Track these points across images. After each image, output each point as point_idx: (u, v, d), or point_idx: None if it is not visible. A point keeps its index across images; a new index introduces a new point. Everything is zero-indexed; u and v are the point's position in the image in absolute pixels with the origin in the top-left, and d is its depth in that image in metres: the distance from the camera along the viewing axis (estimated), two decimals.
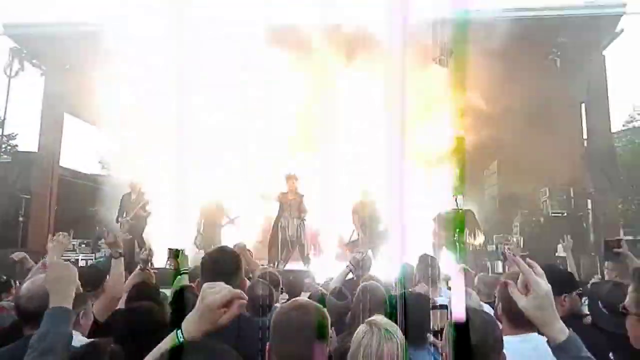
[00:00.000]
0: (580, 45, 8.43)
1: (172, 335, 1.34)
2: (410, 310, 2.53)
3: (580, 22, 8.12)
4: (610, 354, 2.35)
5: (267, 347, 1.68)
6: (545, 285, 1.37)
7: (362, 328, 2.04)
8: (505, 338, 2.24)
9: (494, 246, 9.72)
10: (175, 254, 4.20)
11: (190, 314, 1.34)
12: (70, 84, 9.69)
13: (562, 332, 1.37)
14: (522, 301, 1.40)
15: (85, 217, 11.44)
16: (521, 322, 2.24)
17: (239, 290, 1.32)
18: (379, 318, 2.12)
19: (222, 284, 1.35)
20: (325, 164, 10.43)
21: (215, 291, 1.31)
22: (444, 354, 1.92)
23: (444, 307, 2.47)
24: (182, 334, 1.31)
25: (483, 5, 8.37)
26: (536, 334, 2.22)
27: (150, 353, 1.34)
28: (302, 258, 9.73)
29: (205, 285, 1.35)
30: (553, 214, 9.81)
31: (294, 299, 1.75)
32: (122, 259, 3.54)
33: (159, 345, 1.35)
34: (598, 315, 2.68)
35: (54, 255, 3.26)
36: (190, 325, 1.32)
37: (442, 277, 4.48)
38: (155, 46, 7.89)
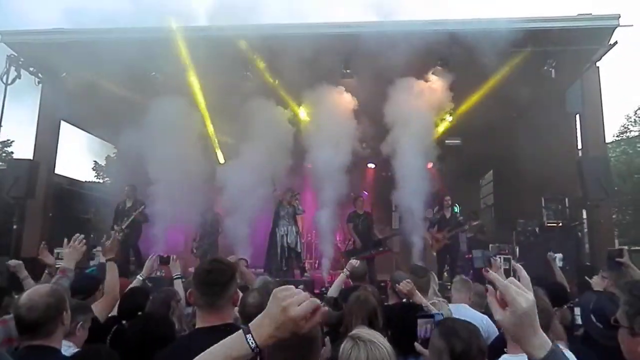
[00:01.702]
0: (574, 57, 8.51)
1: (238, 340, 1.22)
2: (402, 320, 2.54)
3: (575, 34, 8.20)
4: None
5: None
6: (523, 303, 1.23)
7: (347, 343, 2.02)
8: (505, 357, 2.23)
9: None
10: (166, 261, 4.24)
11: (263, 318, 1.24)
12: (66, 92, 9.70)
13: (541, 347, 1.24)
14: (498, 315, 1.28)
15: (80, 224, 11.38)
16: None
17: (316, 300, 1.25)
18: (364, 331, 2.11)
19: (293, 287, 1.27)
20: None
21: (296, 301, 1.22)
22: None
23: (431, 315, 2.47)
24: (253, 340, 1.22)
25: (479, 16, 8.45)
26: None
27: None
28: (299, 267, 9.73)
29: (277, 290, 1.26)
30: (548, 224, 9.84)
31: None
32: (114, 263, 3.61)
33: (219, 350, 1.24)
34: (591, 327, 2.65)
35: (70, 261, 3.26)
36: (265, 332, 1.22)
37: (436, 287, 4.47)
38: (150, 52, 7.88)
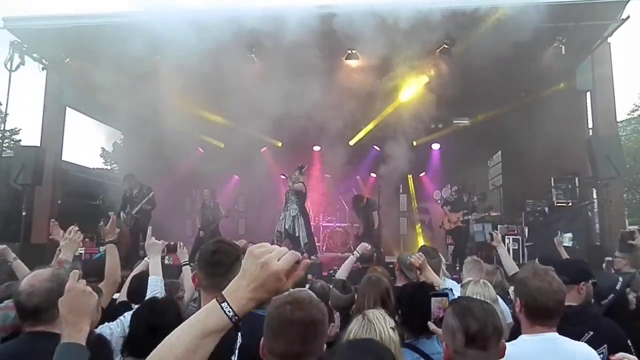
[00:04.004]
0: (585, 32, 8.31)
1: (213, 311, 1.09)
2: (413, 300, 2.50)
3: (585, 9, 7.99)
4: (629, 341, 2.35)
5: (261, 342, 1.60)
6: None
7: (356, 319, 2.04)
8: (523, 337, 2.21)
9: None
10: (173, 249, 4.20)
11: (240, 281, 1.12)
12: (71, 78, 9.65)
13: None
14: None
15: (88, 211, 11.46)
16: (540, 320, 2.23)
17: (297, 253, 1.14)
18: (374, 310, 2.12)
19: (267, 244, 1.16)
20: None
21: (275, 255, 1.11)
22: (443, 343, 1.88)
23: (445, 294, 2.43)
24: (230, 308, 1.09)
25: None
26: (556, 333, 2.18)
27: (185, 336, 1.08)
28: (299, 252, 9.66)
29: (252, 248, 1.15)
30: (558, 204, 9.74)
31: (290, 291, 1.63)
32: (116, 246, 3.57)
33: (194, 325, 1.09)
34: None
35: (68, 253, 3.22)
36: (242, 296, 1.10)
37: (444, 267, 4.46)
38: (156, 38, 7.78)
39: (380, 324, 2.04)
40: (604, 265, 5.48)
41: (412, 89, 9.63)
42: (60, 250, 3.32)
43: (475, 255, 9.91)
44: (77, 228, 3.32)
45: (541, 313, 2.22)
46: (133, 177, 10.12)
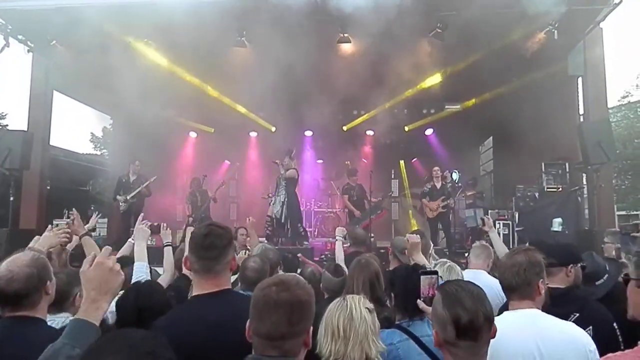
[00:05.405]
0: (578, 17, 8.26)
1: None
2: (406, 282, 2.50)
3: None
4: (615, 324, 2.37)
5: (247, 324, 1.59)
6: None
7: (335, 301, 2.08)
8: (505, 313, 2.23)
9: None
10: (156, 229, 4.16)
11: None
12: (58, 60, 9.45)
13: None
14: None
15: (77, 196, 11.37)
16: (509, 294, 2.29)
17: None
18: (355, 295, 2.15)
19: None
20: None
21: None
22: (434, 330, 1.86)
23: (435, 272, 2.43)
24: None
25: None
26: (538, 310, 2.19)
27: None
28: (284, 236, 9.65)
29: None
30: (548, 189, 9.81)
31: (277, 274, 1.62)
32: (90, 237, 3.62)
33: None
34: None
35: (44, 245, 3.17)
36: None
37: (431, 250, 4.48)
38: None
39: (354, 302, 2.07)
40: (613, 253, 5.34)
41: (405, 73, 9.53)
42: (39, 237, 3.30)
43: (467, 241, 10.00)
44: (67, 228, 3.31)
45: (504, 287, 2.31)
46: (140, 164, 10.22)
